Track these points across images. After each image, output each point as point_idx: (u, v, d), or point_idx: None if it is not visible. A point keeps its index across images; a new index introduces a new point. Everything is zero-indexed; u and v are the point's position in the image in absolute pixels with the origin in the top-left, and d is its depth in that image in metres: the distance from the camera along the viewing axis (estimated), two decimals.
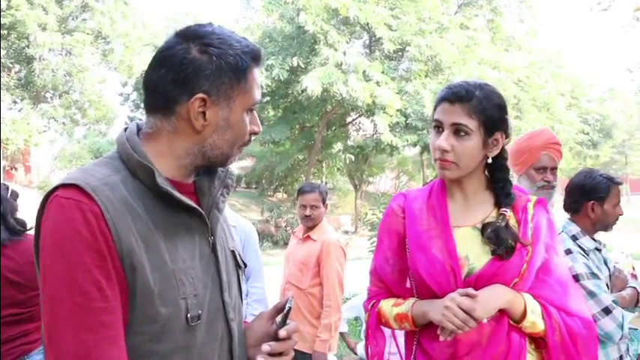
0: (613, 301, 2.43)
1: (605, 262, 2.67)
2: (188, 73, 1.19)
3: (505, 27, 23.86)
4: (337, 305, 3.70)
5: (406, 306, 1.81)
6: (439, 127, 1.76)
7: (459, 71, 17.84)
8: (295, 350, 3.24)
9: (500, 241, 1.70)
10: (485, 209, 1.80)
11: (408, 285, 1.87)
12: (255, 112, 1.32)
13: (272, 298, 3.42)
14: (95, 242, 1.08)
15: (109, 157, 1.25)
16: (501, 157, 1.81)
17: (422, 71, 18.45)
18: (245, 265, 1.47)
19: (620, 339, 2.43)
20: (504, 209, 1.77)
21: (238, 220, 3.43)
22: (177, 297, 1.17)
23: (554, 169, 3.02)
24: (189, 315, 1.19)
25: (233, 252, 1.41)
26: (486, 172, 1.85)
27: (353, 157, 22.44)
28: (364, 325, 5.31)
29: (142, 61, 24.94)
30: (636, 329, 3.00)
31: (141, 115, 31.80)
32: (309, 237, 3.84)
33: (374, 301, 1.93)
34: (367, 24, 17.98)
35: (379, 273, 1.92)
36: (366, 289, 2.01)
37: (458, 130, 1.72)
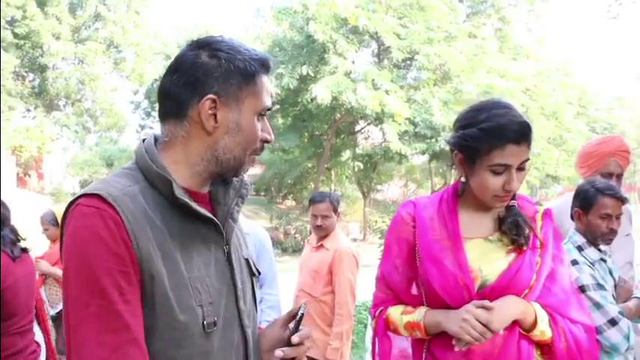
0: (619, 312, 2.42)
1: (611, 272, 2.65)
2: (198, 76, 1.24)
3: (513, 36, 23.85)
4: (349, 313, 3.75)
5: (418, 315, 1.81)
6: (500, 172, 1.70)
7: (468, 80, 17.82)
8: (307, 357, 3.41)
9: (520, 230, 1.75)
10: (494, 214, 1.83)
11: (414, 292, 1.89)
12: (266, 120, 1.34)
13: (284, 305, 3.48)
14: (117, 247, 1.13)
15: (128, 168, 1.29)
16: None
17: (430, 80, 18.46)
18: (259, 273, 1.50)
19: (627, 350, 2.41)
20: (512, 202, 1.80)
21: (253, 227, 3.49)
22: (194, 304, 1.21)
23: (620, 175, 3.05)
24: (205, 322, 1.22)
25: (247, 260, 1.44)
26: None
27: (361, 165, 22.52)
28: (368, 332, 5.40)
29: (153, 70, 25.20)
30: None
31: (151, 123, 31.95)
32: (322, 245, 3.89)
33: (381, 307, 1.94)
34: (376, 33, 18.05)
35: (387, 280, 1.93)
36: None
37: (523, 166, 1.72)
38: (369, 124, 21.21)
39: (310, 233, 4.00)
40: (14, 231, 2.73)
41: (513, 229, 1.76)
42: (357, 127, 22.48)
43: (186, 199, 1.23)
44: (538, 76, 22.13)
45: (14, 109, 21.05)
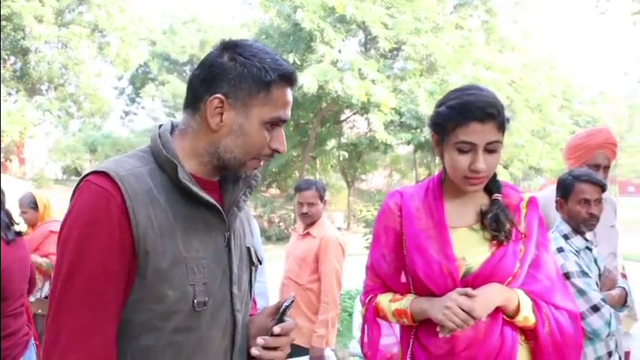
0: (602, 300, 2.47)
1: (596, 262, 2.70)
2: (215, 74, 1.30)
3: (499, 28, 23.98)
4: (334, 301, 3.75)
5: (405, 302, 1.85)
6: (470, 149, 1.71)
7: (454, 71, 17.89)
8: (293, 345, 3.43)
9: (501, 225, 1.77)
10: (479, 203, 1.84)
11: (403, 280, 1.91)
12: (281, 130, 1.37)
13: (270, 293, 3.52)
14: (112, 229, 1.20)
15: (142, 150, 1.36)
16: None
17: (417, 70, 18.49)
18: (260, 263, 1.55)
19: (608, 335, 2.47)
20: (497, 195, 1.82)
21: None
22: (186, 283, 1.27)
23: (607, 168, 3.10)
24: (195, 300, 1.28)
25: (249, 249, 1.49)
26: None
27: (346, 155, 22.59)
28: (355, 320, 5.43)
29: (138, 56, 24.97)
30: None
31: (136, 110, 31.74)
32: (308, 233, 3.88)
33: (371, 295, 1.98)
34: (363, 22, 18.03)
35: (375, 268, 1.96)
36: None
37: (490, 148, 1.71)
38: (354, 113, 21.24)
39: (294, 222, 4.00)
40: (8, 215, 2.74)
41: (493, 224, 1.78)
42: (343, 117, 22.50)
43: (190, 184, 1.29)
44: (523, 69, 22.30)
45: None
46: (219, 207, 1.35)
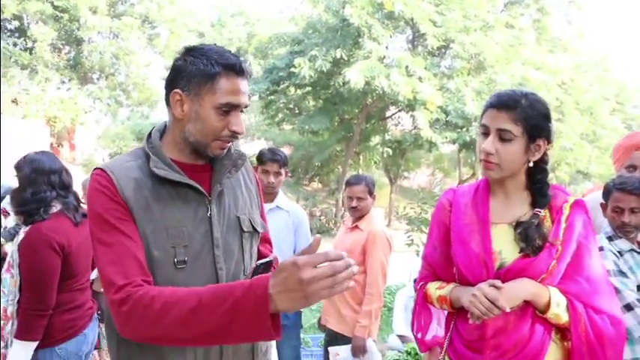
0: (638, 300, 2.48)
1: None
2: (174, 73, 1.63)
3: (552, 27, 23.44)
4: (379, 293, 3.81)
5: (447, 290, 2.04)
6: (486, 131, 1.91)
7: (502, 70, 17.65)
8: (336, 333, 3.49)
9: (529, 240, 1.87)
10: (522, 208, 1.94)
11: (454, 271, 2.06)
12: (237, 114, 1.63)
13: None
14: (114, 198, 1.56)
15: (138, 148, 1.72)
16: (542, 160, 1.94)
17: (464, 69, 18.29)
18: (255, 230, 1.80)
19: None
20: (538, 210, 1.91)
21: (293, 206, 3.60)
22: (167, 245, 1.58)
23: None
24: (176, 259, 1.59)
25: (239, 217, 1.75)
26: (527, 174, 1.97)
27: (390, 151, 22.44)
28: (395, 315, 5.45)
29: None
30: None
31: None
32: (357, 226, 3.95)
33: (422, 282, 2.18)
34: (412, 19, 17.89)
35: (428, 259, 2.16)
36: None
37: (502, 135, 1.86)
38: (400, 110, 21.11)
39: (335, 216, 4.04)
40: (77, 197, 2.89)
41: (522, 237, 1.88)
42: (388, 113, 22.39)
43: (160, 170, 1.61)
44: (575, 70, 21.78)
45: (50, 81, 21.35)
46: (196, 185, 1.64)
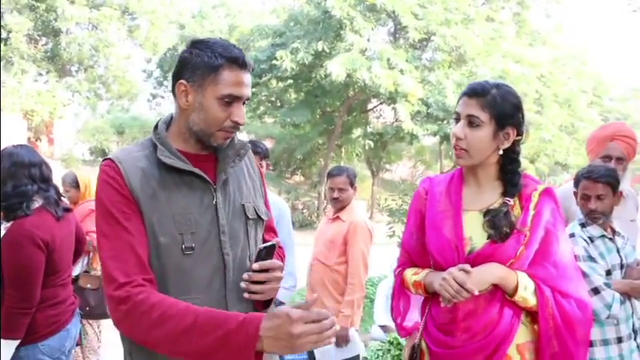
0: (605, 284, 2.63)
1: (618, 251, 2.83)
2: (180, 65, 1.69)
3: (531, 21, 23.62)
4: (360, 283, 3.86)
5: (421, 275, 2.12)
6: (458, 118, 2.01)
7: (483, 63, 17.72)
8: None
9: (496, 227, 1.94)
10: (493, 196, 2.02)
11: (429, 257, 2.13)
12: (240, 105, 1.69)
13: (298, 275, 3.74)
14: (120, 189, 1.61)
15: (146, 139, 1.77)
16: (513, 150, 2.02)
17: (445, 62, 18.34)
18: (260, 217, 1.85)
19: (608, 317, 2.63)
20: (508, 199, 1.98)
21: (275, 199, 3.64)
22: (175, 232, 1.63)
23: (620, 159, 3.19)
24: (183, 246, 1.63)
25: (243, 205, 1.80)
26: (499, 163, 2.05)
27: (372, 144, 22.47)
28: (376, 306, 5.50)
29: (167, 39, 25.13)
30: None
31: (163, 93, 31.99)
32: (338, 217, 4.00)
33: (400, 268, 2.26)
34: (393, 12, 17.87)
35: (405, 246, 2.25)
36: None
37: (471, 121, 1.95)
38: (381, 102, 21.15)
39: (318, 209, 4.07)
40: (57, 191, 2.85)
41: (490, 224, 1.96)
42: (370, 106, 22.41)
43: (167, 159, 1.66)
44: (554, 63, 22.01)
45: (27, 73, 21.02)
46: (201, 174, 1.69)
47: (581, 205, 2.85)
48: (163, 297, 1.53)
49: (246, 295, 1.69)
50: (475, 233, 1.98)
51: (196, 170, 1.69)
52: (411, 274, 2.17)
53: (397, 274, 2.27)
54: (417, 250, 2.17)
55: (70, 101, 23.54)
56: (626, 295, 2.71)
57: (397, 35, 20.44)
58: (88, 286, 4.12)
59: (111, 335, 3.87)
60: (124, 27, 24.45)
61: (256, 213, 1.84)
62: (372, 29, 18.37)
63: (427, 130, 18.29)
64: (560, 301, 1.93)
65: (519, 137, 2.01)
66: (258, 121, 23.21)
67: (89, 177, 4.59)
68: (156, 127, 1.76)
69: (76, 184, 4.53)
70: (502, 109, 1.95)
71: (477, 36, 18.07)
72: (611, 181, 2.81)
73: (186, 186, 1.69)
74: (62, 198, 2.90)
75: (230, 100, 1.66)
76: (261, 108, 21.44)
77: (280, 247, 1.93)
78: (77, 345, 3.36)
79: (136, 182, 1.62)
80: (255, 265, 1.68)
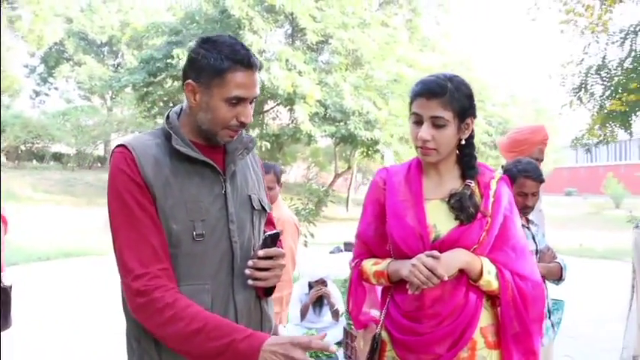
0: None
1: (534, 238, 3.11)
2: (188, 65, 1.72)
3: (422, 27, 24.62)
4: (289, 279, 3.86)
5: (383, 265, 2.12)
6: (418, 120, 2.00)
7: (379, 67, 18.25)
8: None
9: (463, 208, 1.99)
10: (454, 183, 2.07)
11: (388, 247, 2.14)
12: (246, 105, 1.72)
13: None
14: (134, 177, 1.64)
15: (157, 129, 1.81)
16: (470, 135, 2.07)
17: (343, 64, 18.71)
18: (264, 208, 1.93)
19: None
20: (469, 181, 2.05)
21: None
22: (186, 219, 1.68)
23: (540, 161, 3.56)
24: (195, 232, 1.68)
25: (250, 196, 1.87)
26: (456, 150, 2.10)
27: (268, 145, 22.48)
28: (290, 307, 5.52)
29: (53, 33, 23.81)
30: (561, 300, 3.42)
31: (47, 90, 30.29)
32: None
33: (357, 260, 2.24)
34: (292, 13, 18.04)
35: (362, 236, 2.22)
36: None
37: (436, 123, 1.96)
38: (278, 104, 21.19)
39: None
40: None
41: (457, 206, 2.01)
42: (266, 107, 22.39)
43: (178, 146, 1.70)
44: (443, 69, 22.97)
45: None
46: (213, 163, 1.75)
47: (517, 202, 2.94)
48: (178, 297, 1.61)
49: (250, 281, 1.75)
50: (439, 220, 2.01)
51: (208, 160, 1.74)
52: (371, 265, 2.17)
53: (354, 266, 2.25)
54: (376, 241, 2.17)
55: None
56: (542, 278, 2.94)
57: (294, 37, 20.58)
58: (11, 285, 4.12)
59: None
60: (3, 16, 22.88)
61: (261, 204, 1.91)
62: (271, 30, 18.41)
63: (325, 131, 18.53)
64: (519, 283, 2.01)
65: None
66: (152, 122, 22.54)
67: None
68: (167, 117, 1.79)
69: None
70: (462, 103, 1.98)
71: (372, 40, 18.58)
72: (543, 180, 3.09)
73: (198, 175, 1.74)
74: None
75: (236, 101, 1.70)
76: (156, 108, 20.87)
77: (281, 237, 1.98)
78: None
79: (149, 169, 1.66)
80: (261, 252, 1.75)
